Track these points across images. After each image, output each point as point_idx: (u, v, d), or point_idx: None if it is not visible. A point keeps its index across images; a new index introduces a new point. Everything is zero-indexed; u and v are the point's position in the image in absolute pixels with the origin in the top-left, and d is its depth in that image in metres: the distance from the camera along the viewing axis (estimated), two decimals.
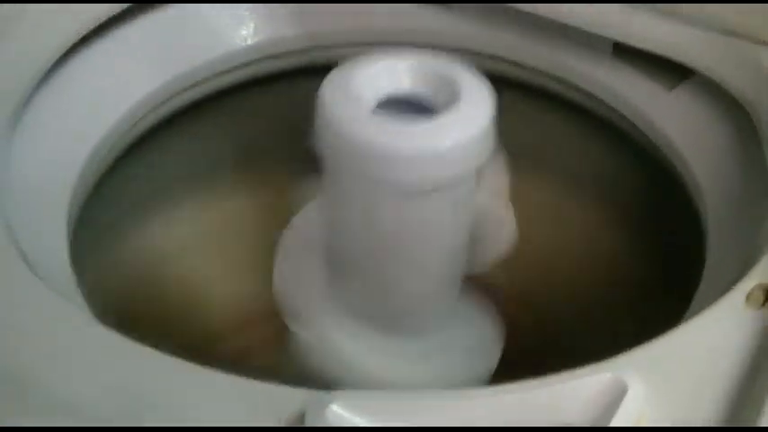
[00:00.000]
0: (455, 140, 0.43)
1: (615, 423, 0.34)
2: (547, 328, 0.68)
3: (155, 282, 0.65)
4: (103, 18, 0.56)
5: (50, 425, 0.34)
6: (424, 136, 0.43)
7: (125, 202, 0.63)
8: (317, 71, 0.64)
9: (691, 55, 0.57)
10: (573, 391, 0.35)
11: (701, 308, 0.44)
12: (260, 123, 0.68)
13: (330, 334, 0.52)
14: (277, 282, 0.53)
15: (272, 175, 0.68)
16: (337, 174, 0.47)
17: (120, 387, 0.37)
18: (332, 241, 0.52)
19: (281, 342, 0.53)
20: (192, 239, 0.68)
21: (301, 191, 0.53)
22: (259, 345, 0.67)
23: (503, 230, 0.53)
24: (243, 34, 0.63)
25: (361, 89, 0.45)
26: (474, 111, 0.44)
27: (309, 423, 0.33)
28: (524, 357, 0.56)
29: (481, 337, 0.56)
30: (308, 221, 0.54)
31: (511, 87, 0.66)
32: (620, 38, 0.58)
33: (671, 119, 0.59)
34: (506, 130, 0.66)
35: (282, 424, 0.34)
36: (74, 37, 0.55)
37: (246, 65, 0.64)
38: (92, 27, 0.56)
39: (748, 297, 0.40)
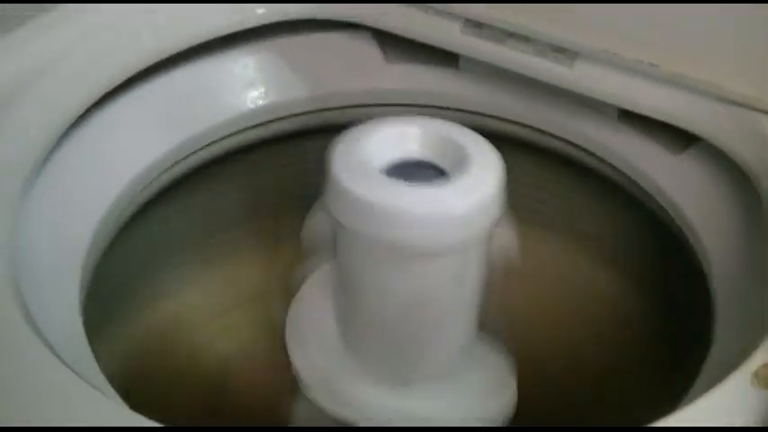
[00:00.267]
0: (469, 203, 0.44)
1: None
2: (550, 384, 0.68)
3: (167, 340, 0.66)
4: (114, 84, 0.57)
5: None
6: (437, 199, 0.44)
7: (137, 264, 0.63)
8: (326, 131, 0.66)
9: (695, 122, 0.57)
10: None
11: (709, 378, 0.44)
12: (269, 181, 0.68)
13: (345, 392, 0.52)
14: (290, 347, 0.53)
15: (282, 233, 0.68)
16: (349, 236, 0.47)
17: None
18: (344, 301, 0.51)
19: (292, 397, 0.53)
20: (203, 298, 0.68)
21: (312, 247, 0.53)
22: (272, 398, 0.67)
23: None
24: (252, 96, 0.64)
25: (369, 154, 0.45)
26: (485, 174, 0.45)
27: None
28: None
29: (495, 382, 0.55)
30: (319, 284, 0.54)
31: (518, 147, 0.66)
32: (626, 105, 0.59)
33: (677, 183, 0.60)
34: (514, 190, 0.67)
35: None
36: (87, 102, 0.55)
37: (255, 126, 0.64)
38: (103, 93, 0.56)
39: (755, 376, 0.40)
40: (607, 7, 0.56)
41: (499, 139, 0.65)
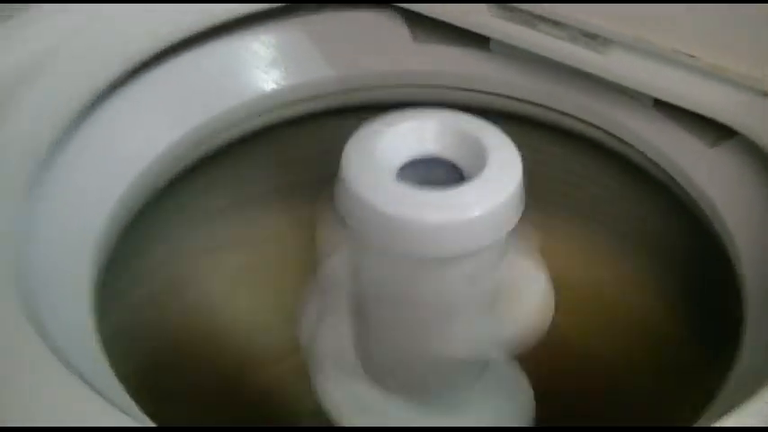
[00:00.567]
0: (486, 209, 0.42)
1: None
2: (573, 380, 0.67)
3: (186, 317, 0.65)
4: (129, 67, 0.56)
5: None
6: (449, 205, 0.41)
7: (157, 241, 0.62)
8: (353, 110, 0.65)
9: (732, 116, 0.55)
10: None
11: (736, 387, 0.43)
12: (295, 162, 0.67)
13: (357, 394, 0.52)
14: (304, 339, 0.52)
15: (306, 215, 0.67)
16: (359, 239, 0.45)
17: None
18: (357, 304, 0.50)
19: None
20: (224, 278, 0.67)
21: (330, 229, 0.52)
22: (294, 374, 0.67)
23: (538, 295, 0.50)
24: (276, 76, 0.62)
25: (385, 152, 0.43)
26: (501, 177, 0.43)
27: None
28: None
29: (512, 393, 0.54)
30: (335, 274, 0.52)
31: (548, 132, 0.65)
32: (660, 95, 0.56)
33: (710, 176, 0.57)
34: (543, 174, 0.66)
35: None
36: (102, 86, 0.54)
37: (280, 107, 0.63)
38: (117, 76, 0.55)
39: None
40: None
41: (529, 124, 0.65)
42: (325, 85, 0.63)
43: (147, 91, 0.58)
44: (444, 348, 0.49)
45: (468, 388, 0.53)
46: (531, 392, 0.55)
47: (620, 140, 0.61)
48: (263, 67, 0.62)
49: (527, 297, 0.50)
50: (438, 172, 0.45)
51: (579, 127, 0.63)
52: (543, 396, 0.54)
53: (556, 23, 0.57)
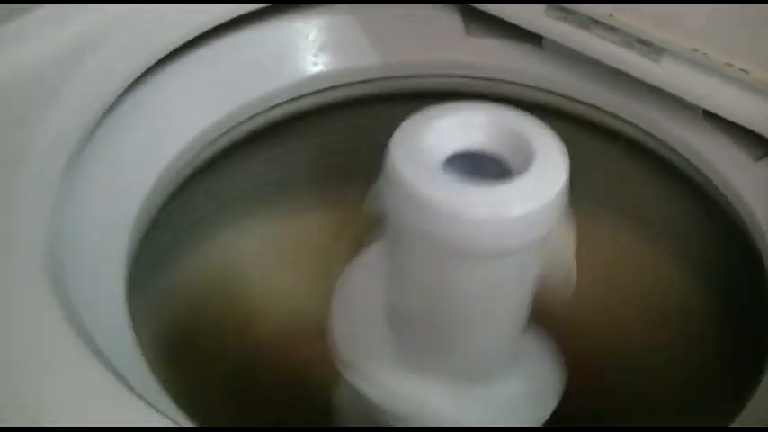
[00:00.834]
0: (527, 208, 0.41)
1: None
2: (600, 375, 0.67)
3: (217, 298, 0.66)
4: (179, 43, 0.57)
5: None
6: (495, 200, 0.41)
7: (192, 221, 0.64)
8: (401, 97, 0.65)
9: None
10: None
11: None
12: (333, 145, 0.68)
13: (387, 383, 0.52)
14: (334, 331, 0.52)
15: (351, 197, 0.68)
16: (403, 231, 0.45)
17: None
18: (393, 294, 0.50)
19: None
20: (259, 257, 0.68)
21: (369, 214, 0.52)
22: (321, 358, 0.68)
23: (568, 278, 0.50)
24: (327, 59, 0.63)
25: (431, 144, 0.43)
26: (548, 175, 0.42)
27: None
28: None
29: (542, 379, 0.54)
30: (367, 267, 0.53)
31: (595, 132, 0.65)
32: (710, 107, 0.56)
33: (754, 190, 0.57)
34: (587, 173, 0.66)
35: None
36: (147, 64, 0.55)
37: (328, 89, 0.64)
38: (166, 53, 0.56)
39: None
40: (701, 7, 0.53)
41: (577, 123, 0.65)
42: (375, 71, 0.64)
43: (192, 72, 0.59)
44: (481, 334, 0.49)
45: (502, 362, 0.53)
46: (559, 364, 0.54)
47: (668, 146, 0.61)
48: (314, 51, 0.63)
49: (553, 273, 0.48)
50: (484, 166, 0.44)
51: (627, 129, 0.63)
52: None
53: (611, 28, 0.57)
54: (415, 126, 0.44)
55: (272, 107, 0.62)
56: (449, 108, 0.45)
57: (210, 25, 0.59)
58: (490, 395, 0.53)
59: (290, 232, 0.69)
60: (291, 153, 0.67)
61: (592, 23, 0.57)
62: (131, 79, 0.55)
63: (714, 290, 0.64)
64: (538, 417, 0.52)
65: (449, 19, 0.64)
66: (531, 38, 0.62)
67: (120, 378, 0.40)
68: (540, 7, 0.59)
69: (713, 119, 0.58)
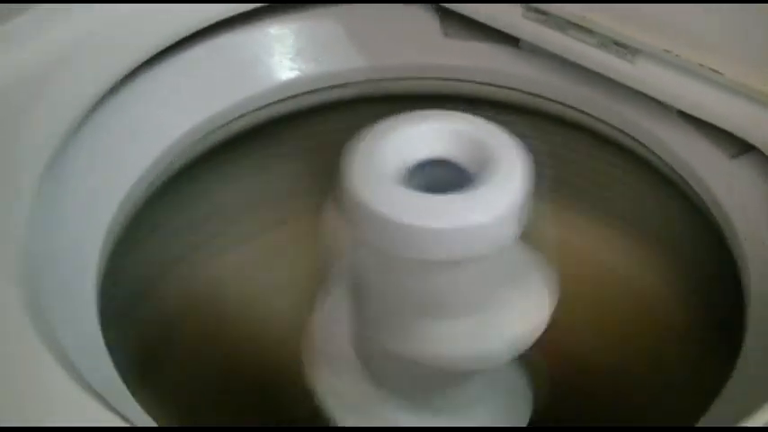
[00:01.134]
0: (492, 216, 0.40)
1: None
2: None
3: (198, 304, 0.67)
4: (157, 50, 0.57)
5: None
6: (453, 212, 0.40)
7: (178, 224, 0.64)
8: (382, 100, 0.66)
9: (752, 132, 0.55)
10: None
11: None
12: (314, 150, 0.68)
13: (353, 396, 0.52)
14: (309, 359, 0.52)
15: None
16: (362, 243, 0.44)
17: None
18: (359, 303, 0.50)
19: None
20: (241, 264, 0.68)
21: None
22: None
23: (544, 292, 0.50)
24: (306, 63, 0.63)
25: (389, 155, 0.42)
26: (509, 183, 0.41)
27: None
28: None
29: (511, 401, 0.55)
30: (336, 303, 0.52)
31: (573, 131, 0.65)
32: (684, 107, 0.57)
33: (728, 187, 0.57)
34: (565, 170, 0.66)
35: None
36: (125, 71, 0.55)
37: (308, 93, 0.64)
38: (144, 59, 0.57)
39: None
40: (674, 7, 0.54)
41: (555, 123, 0.65)
42: (354, 73, 0.64)
43: (172, 75, 0.59)
44: (447, 353, 0.48)
45: (470, 391, 0.53)
46: (529, 393, 0.55)
47: (643, 145, 0.62)
48: (292, 55, 0.63)
49: (530, 297, 0.48)
50: (446, 174, 0.43)
51: (604, 129, 0.63)
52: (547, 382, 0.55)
53: (587, 30, 0.57)
54: (372, 138, 0.43)
55: (250, 112, 0.62)
56: (407, 118, 0.44)
57: (191, 30, 0.59)
58: (454, 416, 0.53)
59: (273, 237, 0.69)
60: (272, 158, 0.67)
61: (568, 25, 0.58)
62: (107, 87, 0.55)
63: (689, 285, 0.65)
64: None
65: (427, 21, 0.64)
66: (509, 39, 0.62)
67: (87, 385, 0.41)
68: (517, 9, 0.59)
69: (689, 118, 0.59)
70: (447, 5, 0.63)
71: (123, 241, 0.55)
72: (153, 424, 0.43)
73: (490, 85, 0.65)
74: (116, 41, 0.56)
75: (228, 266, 0.68)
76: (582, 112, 0.64)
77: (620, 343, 0.67)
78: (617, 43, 0.57)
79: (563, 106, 0.64)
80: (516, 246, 0.45)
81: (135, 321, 0.60)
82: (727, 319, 0.55)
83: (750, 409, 0.41)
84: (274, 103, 0.63)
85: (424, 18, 0.65)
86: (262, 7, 0.61)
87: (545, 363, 0.55)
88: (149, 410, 0.44)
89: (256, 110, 0.62)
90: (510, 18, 0.60)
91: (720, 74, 0.54)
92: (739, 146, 0.58)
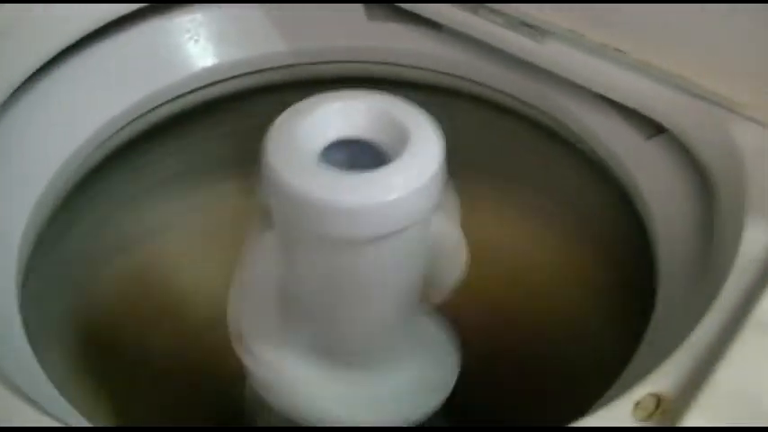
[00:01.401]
0: (400, 192, 0.41)
1: None
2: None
3: (134, 282, 0.67)
4: (73, 40, 0.57)
5: None
6: (366, 189, 0.41)
7: (103, 213, 0.64)
8: (309, 84, 0.66)
9: (659, 112, 0.55)
10: None
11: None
12: (241, 134, 0.68)
13: (285, 369, 0.52)
14: (232, 317, 0.52)
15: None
16: (284, 222, 0.46)
17: None
18: (284, 280, 0.51)
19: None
20: (169, 249, 0.69)
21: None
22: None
23: (457, 257, 0.50)
24: (230, 49, 0.63)
25: (307, 135, 0.43)
26: (421, 160, 0.42)
27: None
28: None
29: (437, 363, 0.55)
30: (265, 253, 0.52)
31: (494, 111, 0.65)
32: (593, 87, 0.56)
33: (642, 167, 0.57)
34: (488, 151, 0.66)
35: None
36: (46, 57, 0.56)
37: (233, 78, 0.64)
38: (63, 47, 0.56)
39: (637, 406, 0.39)
40: None
41: (477, 103, 0.65)
42: (278, 58, 0.64)
43: (88, 66, 0.59)
44: (374, 316, 0.50)
45: (393, 348, 0.53)
46: (456, 350, 0.55)
47: (565, 126, 0.62)
48: (216, 41, 0.63)
49: (443, 254, 0.50)
50: (363, 153, 0.44)
51: (525, 109, 0.63)
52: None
53: (497, 11, 0.57)
54: (290, 117, 0.44)
55: (175, 98, 0.62)
56: (325, 98, 0.45)
57: (113, 16, 0.60)
58: (382, 380, 0.54)
59: (203, 221, 0.70)
60: (200, 143, 0.67)
61: (479, 7, 0.58)
62: (21, 80, 0.55)
63: (606, 257, 0.65)
64: (430, 403, 0.53)
65: (350, 5, 0.64)
66: (430, 23, 0.62)
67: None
68: None
69: (604, 99, 0.58)
70: None
71: (46, 232, 0.56)
72: (84, 422, 0.44)
73: (413, 67, 0.64)
74: (35, 30, 0.56)
75: (157, 252, 0.68)
76: (503, 92, 0.63)
77: (543, 302, 0.68)
78: (525, 24, 0.56)
79: (485, 87, 0.64)
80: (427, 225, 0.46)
81: (61, 313, 0.61)
82: (640, 278, 0.56)
83: (669, 351, 0.42)
84: (199, 88, 0.63)
85: (347, 3, 0.64)
86: None
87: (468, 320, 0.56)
88: (83, 398, 0.45)
89: (180, 96, 0.63)
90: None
91: (623, 53, 0.54)
92: (655, 127, 0.58)
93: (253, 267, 0.53)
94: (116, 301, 0.66)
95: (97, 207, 0.63)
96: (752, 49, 0.51)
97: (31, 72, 0.56)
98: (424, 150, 0.43)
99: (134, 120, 0.61)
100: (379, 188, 0.41)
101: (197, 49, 0.63)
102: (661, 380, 0.40)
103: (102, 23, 0.59)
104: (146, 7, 0.61)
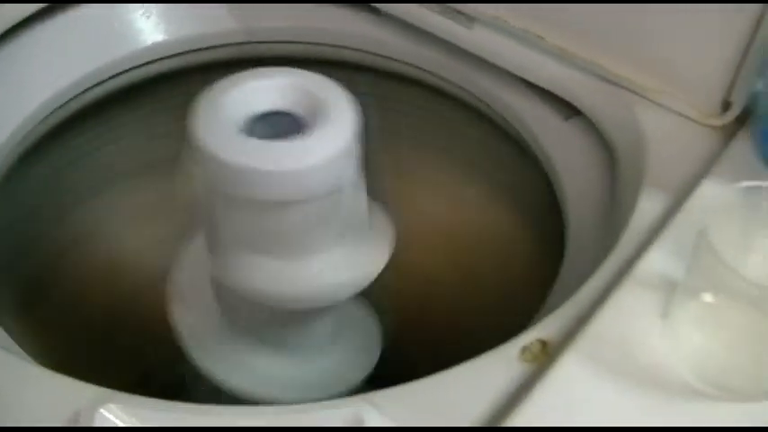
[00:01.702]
0: (315, 159, 0.45)
1: None
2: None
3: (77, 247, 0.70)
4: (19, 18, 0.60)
5: None
6: (284, 156, 0.45)
7: (52, 183, 0.67)
8: (256, 62, 0.69)
9: (577, 96, 0.59)
10: (322, 419, 0.39)
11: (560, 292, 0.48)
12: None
13: (212, 339, 0.56)
14: (172, 298, 0.56)
15: None
16: (211, 191, 0.48)
17: None
18: (215, 248, 0.53)
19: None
20: (116, 220, 0.72)
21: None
22: None
23: (383, 238, 0.54)
24: (175, 27, 0.67)
25: (230, 107, 0.46)
26: (336, 131, 0.46)
27: (82, 423, 0.38)
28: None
29: (361, 344, 0.60)
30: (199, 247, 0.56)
31: (427, 91, 0.69)
32: (516, 71, 0.61)
33: (559, 145, 0.62)
34: (419, 128, 0.70)
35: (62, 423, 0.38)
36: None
37: (176, 55, 0.67)
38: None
39: (524, 350, 0.43)
40: None
41: (412, 84, 0.69)
42: (225, 36, 0.68)
43: (45, 40, 0.63)
44: (296, 289, 0.52)
45: (319, 327, 0.57)
46: (378, 334, 0.60)
47: (490, 106, 0.66)
48: (155, 20, 0.66)
49: (371, 239, 0.53)
50: (284, 125, 0.47)
51: (454, 90, 0.68)
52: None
53: None
54: (215, 92, 0.48)
55: (124, 72, 0.65)
56: (250, 74, 0.48)
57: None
58: (309, 360, 0.58)
59: (148, 192, 0.72)
60: (147, 116, 0.71)
61: None
62: None
63: (525, 217, 0.70)
64: (353, 380, 0.58)
65: None
66: (370, 7, 0.66)
67: None
68: None
69: (532, 84, 0.62)
70: None
71: None
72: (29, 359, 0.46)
73: (349, 48, 0.68)
74: None
75: (103, 221, 0.71)
76: (437, 75, 0.67)
77: (473, 257, 0.73)
78: (456, 10, 0.61)
79: (420, 71, 0.68)
80: (357, 194, 0.50)
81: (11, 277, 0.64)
82: (554, 239, 0.60)
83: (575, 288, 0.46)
84: (149, 62, 0.66)
85: None
86: None
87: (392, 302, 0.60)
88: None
89: (131, 69, 0.66)
90: None
91: (543, 39, 0.58)
92: (573, 109, 0.62)
93: (193, 248, 0.57)
94: (54, 268, 0.69)
95: (42, 177, 0.66)
96: (658, 38, 0.55)
97: None
98: (339, 122, 0.46)
99: (82, 92, 0.64)
100: (295, 155, 0.45)
101: (144, 27, 0.66)
102: (548, 327, 0.44)
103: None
104: None
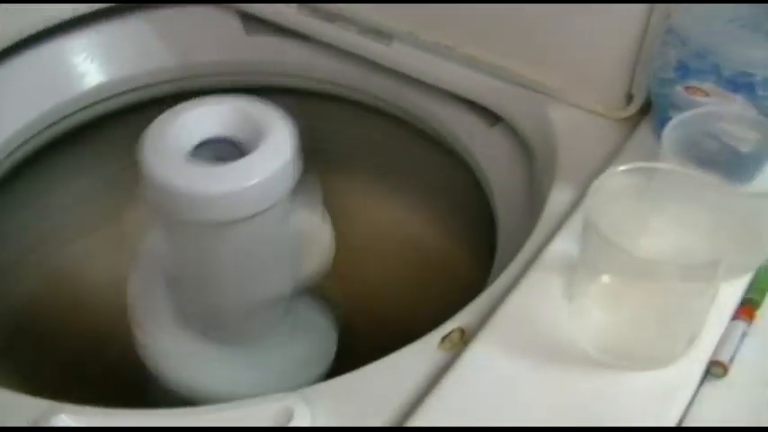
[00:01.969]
0: (253, 180, 0.48)
1: None
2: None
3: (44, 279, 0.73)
4: None
5: None
6: (228, 177, 0.48)
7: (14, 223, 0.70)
8: (196, 95, 0.72)
9: (493, 102, 0.62)
10: (254, 414, 0.42)
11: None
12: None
13: (170, 345, 0.58)
14: (129, 299, 0.58)
15: None
16: (161, 213, 0.52)
17: None
18: (167, 264, 0.56)
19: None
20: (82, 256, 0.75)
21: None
22: None
23: (321, 242, 0.58)
24: (119, 65, 0.70)
25: (176, 135, 0.50)
26: (274, 152, 0.49)
27: None
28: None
29: (316, 342, 0.62)
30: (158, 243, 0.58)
31: (361, 110, 0.73)
32: (435, 83, 0.64)
33: (484, 149, 0.65)
34: (351, 143, 0.73)
35: None
36: None
37: (125, 93, 0.70)
38: None
39: (444, 339, 0.45)
40: None
41: (346, 103, 0.72)
42: (164, 73, 0.71)
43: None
44: (247, 295, 0.56)
45: (273, 329, 0.60)
46: (333, 332, 0.63)
47: (418, 118, 0.69)
48: (108, 58, 0.69)
49: (312, 243, 0.57)
50: (228, 150, 0.51)
51: (383, 105, 0.71)
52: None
53: (351, 20, 0.65)
54: (162, 121, 0.51)
55: (68, 116, 0.69)
56: (194, 103, 0.52)
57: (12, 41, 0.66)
58: (263, 358, 0.60)
59: (108, 229, 0.74)
60: (100, 154, 0.73)
61: (334, 17, 0.65)
62: None
63: (455, 220, 0.74)
64: (309, 377, 0.60)
65: (229, 21, 0.71)
66: (299, 34, 0.69)
67: None
68: (293, 7, 0.66)
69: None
70: (242, 6, 0.70)
71: None
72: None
73: (286, 74, 0.71)
74: None
75: (69, 257, 0.74)
76: (366, 93, 0.71)
77: (415, 254, 0.76)
78: (374, 30, 0.64)
79: (349, 89, 0.71)
80: (295, 209, 0.53)
81: None
82: (484, 236, 0.63)
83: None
84: (88, 106, 0.69)
85: (226, 19, 0.71)
86: (67, 20, 0.67)
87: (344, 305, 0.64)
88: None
89: (72, 114, 0.69)
90: (288, 15, 0.67)
91: (453, 49, 0.61)
92: (496, 117, 0.65)
93: (144, 255, 0.60)
94: (26, 306, 0.72)
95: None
96: (560, 40, 0.58)
97: None
98: (276, 144, 0.50)
99: (31, 138, 0.67)
100: (235, 177, 0.48)
101: (85, 70, 0.69)
102: (467, 316, 0.47)
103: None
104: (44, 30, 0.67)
